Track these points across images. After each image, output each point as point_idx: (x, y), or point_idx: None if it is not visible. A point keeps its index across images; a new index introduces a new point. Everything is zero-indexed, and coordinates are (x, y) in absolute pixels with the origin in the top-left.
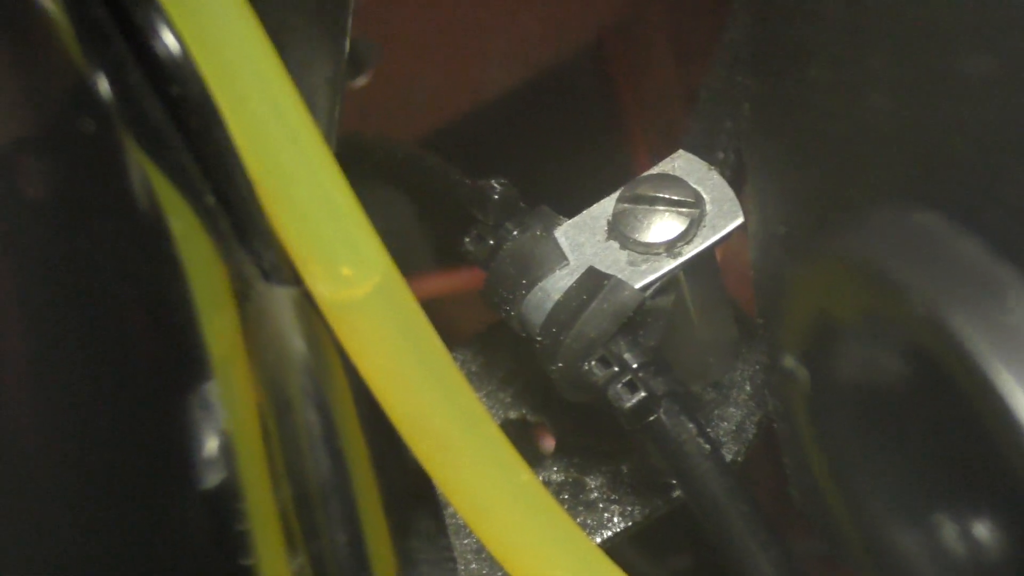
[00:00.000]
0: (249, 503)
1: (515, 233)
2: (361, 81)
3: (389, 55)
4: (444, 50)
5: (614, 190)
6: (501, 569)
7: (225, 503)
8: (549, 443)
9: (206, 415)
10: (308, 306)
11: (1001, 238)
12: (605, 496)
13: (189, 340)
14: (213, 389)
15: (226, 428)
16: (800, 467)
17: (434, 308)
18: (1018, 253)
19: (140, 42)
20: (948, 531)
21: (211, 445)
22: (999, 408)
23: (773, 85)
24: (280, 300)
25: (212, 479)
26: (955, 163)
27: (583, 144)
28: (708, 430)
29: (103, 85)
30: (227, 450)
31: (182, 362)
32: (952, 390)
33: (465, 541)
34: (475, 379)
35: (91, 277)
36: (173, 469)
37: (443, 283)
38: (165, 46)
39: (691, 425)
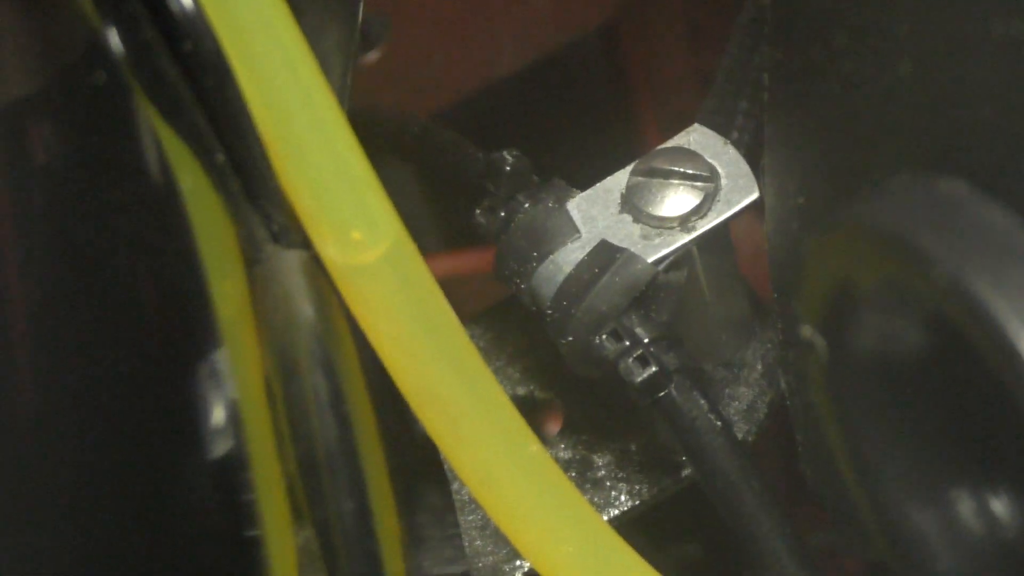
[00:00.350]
0: (255, 472)
1: (527, 205)
2: (372, 57)
3: (400, 33)
4: (456, 28)
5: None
6: (506, 546)
7: (232, 473)
8: (557, 421)
9: (214, 383)
10: (317, 270)
11: None
12: (612, 474)
13: (198, 304)
14: (222, 355)
15: (233, 396)
16: (814, 442)
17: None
18: None
19: None
20: (966, 506)
21: (219, 414)
22: None
23: (797, 55)
24: (289, 263)
25: (219, 448)
26: (981, 130)
27: (593, 125)
28: (719, 408)
29: (115, 41)
30: (234, 418)
31: (191, 327)
32: (975, 359)
33: (470, 517)
34: (484, 355)
35: (101, 239)
36: (181, 438)
37: (450, 264)
38: (179, 2)
39: (702, 401)
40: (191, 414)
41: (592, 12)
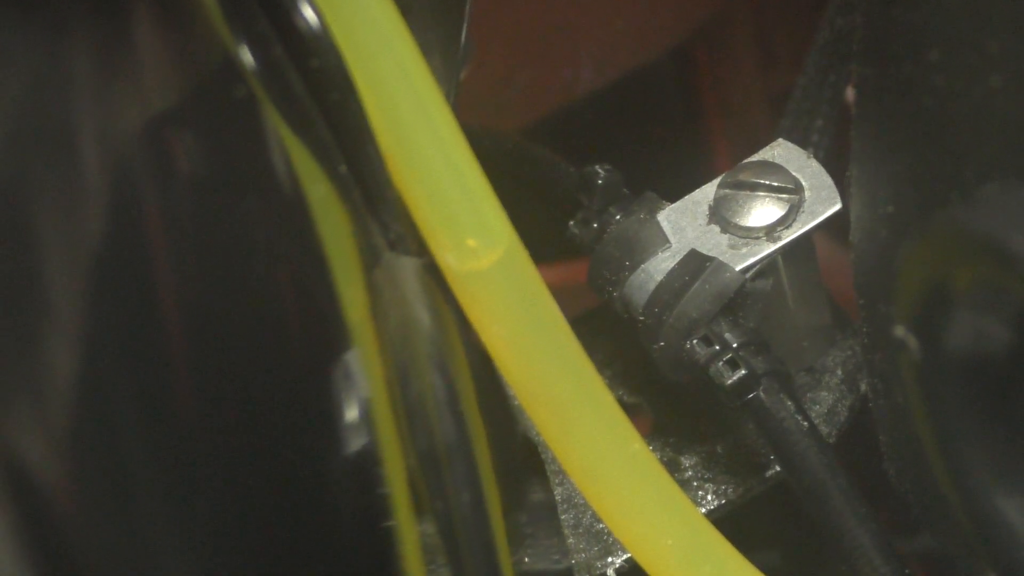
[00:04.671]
0: (385, 467)
1: (619, 217)
2: (461, 75)
3: (486, 53)
4: (537, 49)
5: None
6: (598, 543)
7: (368, 467)
8: (645, 424)
9: (350, 382)
10: (430, 276)
11: None
12: (699, 475)
13: (331, 310)
14: (354, 357)
15: (366, 395)
16: (901, 440)
17: None
18: None
19: (282, 17)
20: None
21: (355, 411)
22: None
23: (889, 70)
24: (406, 269)
25: (357, 444)
26: None
27: (667, 143)
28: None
29: (247, 57)
30: (367, 416)
31: (327, 332)
32: None
33: (563, 517)
34: None
35: (242, 247)
36: (326, 435)
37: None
38: (306, 21)
39: (790, 403)
40: (332, 412)
41: (668, 35)
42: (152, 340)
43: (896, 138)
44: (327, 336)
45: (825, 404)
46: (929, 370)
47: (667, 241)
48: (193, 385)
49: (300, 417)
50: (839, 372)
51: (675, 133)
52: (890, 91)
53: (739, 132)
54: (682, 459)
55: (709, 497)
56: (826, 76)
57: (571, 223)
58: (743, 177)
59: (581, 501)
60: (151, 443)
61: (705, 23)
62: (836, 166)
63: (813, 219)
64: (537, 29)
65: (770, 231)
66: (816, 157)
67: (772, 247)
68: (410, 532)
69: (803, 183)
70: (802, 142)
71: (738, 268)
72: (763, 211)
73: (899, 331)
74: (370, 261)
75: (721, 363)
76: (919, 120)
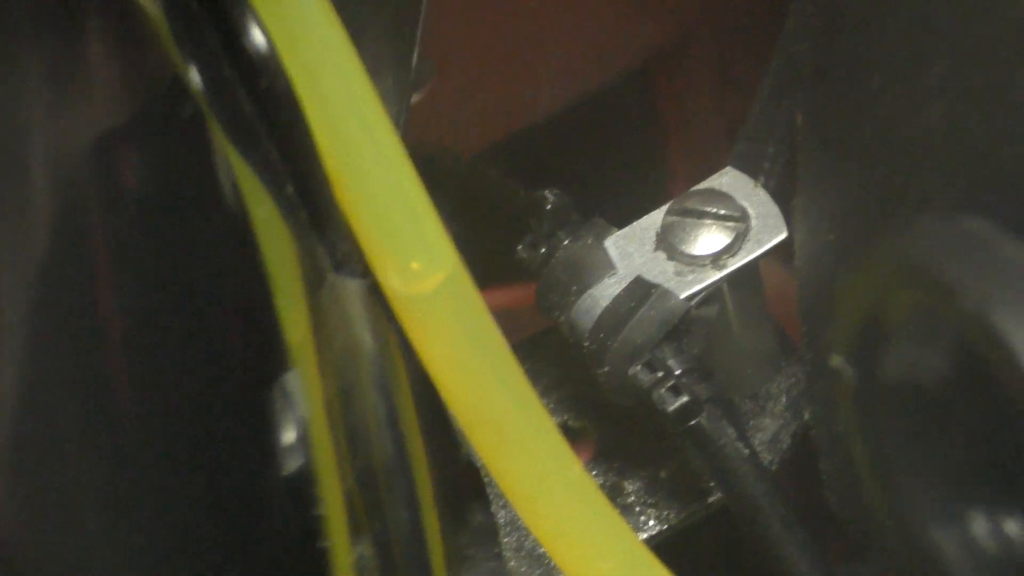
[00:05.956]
0: (321, 488)
1: (567, 242)
2: (416, 98)
3: (445, 75)
4: (497, 71)
5: (650, 211)
6: (540, 567)
7: (304, 488)
8: (589, 448)
9: (287, 403)
10: (374, 298)
11: None
12: (642, 500)
13: (271, 330)
14: (293, 378)
15: (304, 415)
16: (840, 467)
17: None
18: None
19: (231, 38)
20: (985, 527)
21: (292, 433)
22: None
23: (834, 96)
24: (350, 291)
25: (293, 464)
26: (1007, 173)
27: (627, 165)
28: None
29: (196, 78)
30: (304, 437)
31: (266, 352)
32: (997, 389)
33: (506, 540)
34: None
35: (186, 264)
36: (262, 454)
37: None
38: (254, 42)
39: (731, 429)
40: (269, 431)
41: (627, 58)
42: (94, 357)
43: (839, 166)
44: (266, 356)
45: (768, 431)
46: (865, 398)
47: (614, 267)
48: (133, 402)
49: (237, 436)
50: (783, 399)
51: (634, 156)
52: (835, 119)
53: (697, 155)
54: (625, 483)
55: (651, 522)
56: (779, 102)
57: (519, 246)
58: (690, 205)
59: (523, 524)
60: (91, 460)
61: (664, 47)
62: (788, 193)
63: (759, 247)
64: (496, 51)
65: (716, 259)
66: (768, 183)
67: (717, 275)
68: (345, 554)
69: (750, 211)
70: (754, 168)
71: (683, 295)
72: (709, 239)
73: (835, 360)
74: (315, 282)
75: (664, 389)
76: (861, 149)
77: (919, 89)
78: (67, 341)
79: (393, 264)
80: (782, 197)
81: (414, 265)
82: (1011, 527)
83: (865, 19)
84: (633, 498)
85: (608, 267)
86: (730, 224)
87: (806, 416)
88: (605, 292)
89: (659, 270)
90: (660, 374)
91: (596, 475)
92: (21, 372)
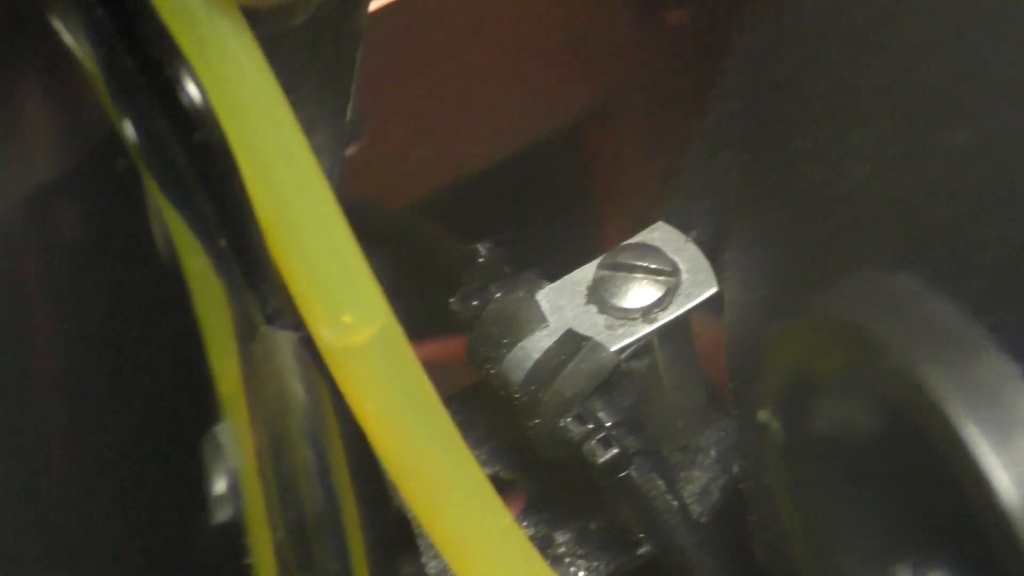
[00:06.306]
0: (251, 538)
1: (499, 295)
2: (350, 150)
3: (382, 129)
4: (431, 126)
5: (584, 264)
6: None
7: (234, 538)
8: (519, 500)
9: (218, 454)
10: (306, 351)
11: (976, 301)
12: (572, 551)
13: (203, 381)
14: (224, 428)
15: (234, 466)
16: (768, 522)
17: None
18: (992, 315)
19: (166, 91)
20: None
21: (223, 483)
22: (968, 463)
23: (764, 156)
24: (282, 343)
25: (223, 515)
26: (934, 230)
27: (559, 219)
28: (676, 489)
29: (130, 132)
30: (235, 487)
31: (198, 403)
32: (924, 444)
33: None
34: None
35: (118, 318)
36: (191, 505)
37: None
38: (189, 96)
39: (660, 482)
40: (200, 482)
41: (559, 115)
42: (24, 407)
43: (769, 223)
44: (198, 407)
45: (698, 483)
46: (793, 453)
47: (545, 320)
48: (63, 452)
49: (168, 486)
50: (712, 452)
51: (566, 210)
52: (766, 177)
53: (628, 211)
54: (556, 535)
55: (581, 573)
56: (710, 160)
57: (452, 299)
58: (621, 259)
59: None
60: (18, 509)
61: (596, 106)
62: (720, 248)
63: (689, 301)
64: (432, 107)
65: (646, 312)
66: (701, 238)
67: (648, 328)
68: None
69: (680, 266)
70: (686, 223)
71: (613, 348)
72: (640, 293)
73: (762, 415)
74: (247, 334)
75: (594, 441)
76: (792, 207)
77: (846, 150)
78: None
79: (325, 317)
80: (716, 251)
81: (346, 318)
82: None
83: (792, 80)
84: (563, 549)
85: (540, 320)
86: (661, 278)
87: (735, 469)
88: (536, 345)
89: (590, 323)
90: (590, 427)
91: (527, 527)
92: None
